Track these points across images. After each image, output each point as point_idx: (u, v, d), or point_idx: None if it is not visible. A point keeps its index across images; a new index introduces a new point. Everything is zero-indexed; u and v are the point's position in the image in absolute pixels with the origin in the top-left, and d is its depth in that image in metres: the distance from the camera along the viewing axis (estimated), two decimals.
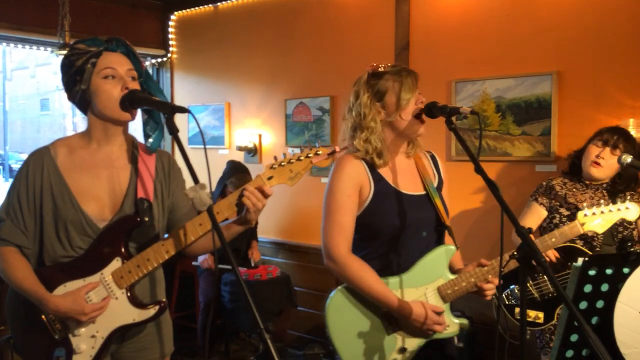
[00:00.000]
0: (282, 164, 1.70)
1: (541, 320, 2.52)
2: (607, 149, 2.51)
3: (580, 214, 2.03)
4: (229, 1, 4.73)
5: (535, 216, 2.68)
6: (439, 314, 1.85)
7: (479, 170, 1.70)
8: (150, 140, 1.82)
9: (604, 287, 1.56)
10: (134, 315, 1.67)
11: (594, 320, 1.59)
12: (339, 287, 1.92)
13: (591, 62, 3.11)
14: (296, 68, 4.38)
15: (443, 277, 1.91)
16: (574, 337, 1.57)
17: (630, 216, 2.05)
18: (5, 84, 27.48)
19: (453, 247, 1.95)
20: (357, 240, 1.93)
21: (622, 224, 2.48)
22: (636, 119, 2.89)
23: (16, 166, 24.28)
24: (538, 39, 3.27)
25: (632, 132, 2.85)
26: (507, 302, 2.61)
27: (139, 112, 1.79)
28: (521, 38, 3.33)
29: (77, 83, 1.69)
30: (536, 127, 3.25)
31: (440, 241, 1.99)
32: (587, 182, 2.61)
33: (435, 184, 2.03)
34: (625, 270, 1.55)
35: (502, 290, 2.59)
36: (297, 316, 4.14)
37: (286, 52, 4.42)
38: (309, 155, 1.71)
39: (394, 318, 1.88)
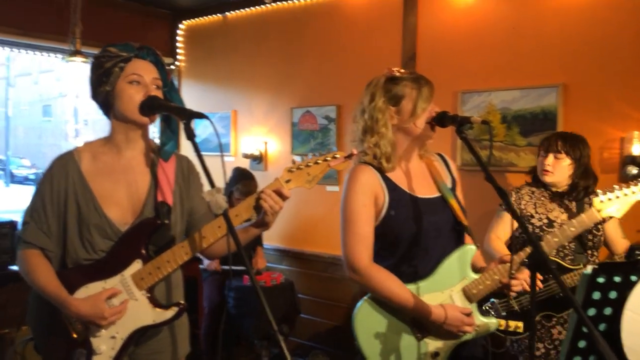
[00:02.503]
0: (300, 167, 1.75)
1: (521, 330, 2.52)
2: (550, 155, 2.58)
3: (596, 200, 2.05)
4: (237, 11, 4.79)
5: (507, 225, 2.72)
6: (467, 315, 1.86)
7: (489, 178, 1.73)
8: (165, 148, 1.86)
9: (612, 295, 1.59)
10: (154, 316, 1.70)
11: (602, 327, 1.62)
12: (365, 298, 1.92)
13: (596, 74, 3.16)
14: (303, 77, 4.43)
15: (467, 277, 1.92)
16: (581, 344, 1.60)
17: None
18: (8, 90, 27.59)
19: (473, 247, 1.95)
20: (378, 250, 1.92)
21: (592, 231, 2.53)
22: None
23: (18, 172, 24.33)
24: (544, 52, 3.32)
25: (637, 144, 2.91)
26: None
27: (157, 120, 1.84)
28: (527, 50, 3.38)
29: (102, 84, 1.74)
30: (542, 139, 3.29)
31: (460, 242, 1.98)
32: (553, 190, 2.64)
33: (449, 185, 2.04)
34: (633, 278, 1.58)
35: (484, 303, 2.62)
36: (301, 323, 4.16)
37: (293, 61, 4.48)
38: (327, 158, 1.75)
39: (422, 323, 1.87)
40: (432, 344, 1.88)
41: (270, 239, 4.49)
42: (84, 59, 4.08)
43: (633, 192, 2.04)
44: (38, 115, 31.58)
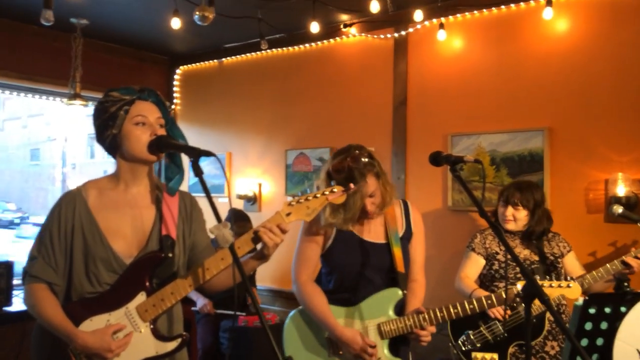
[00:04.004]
0: (300, 201, 1.81)
1: None
2: (509, 207, 2.82)
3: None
4: (233, 57, 4.96)
5: (475, 265, 2.91)
6: (372, 347, 2.12)
7: (483, 214, 1.83)
8: (171, 183, 1.93)
9: (604, 325, 1.66)
10: (158, 347, 1.72)
11: (595, 357, 1.67)
12: (297, 309, 2.31)
13: (579, 119, 3.31)
14: (297, 120, 4.56)
15: (385, 315, 2.20)
16: None
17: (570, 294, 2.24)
18: None
19: (400, 292, 2.21)
20: (324, 274, 2.34)
21: (554, 264, 2.77)
22: (624, 173, 3.06)
23: (3, 216, 24.05)
24: (529, 97, 3.48)
25: (621, 185, 3.03)
26: (463, 348, 2.74)
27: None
28: (513, 95, 3.54)
29: (109, 128, 1.80)
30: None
31: (392, 285, 2.24)
32: (510, 232, 2.87)
33: (401, 234, 2.31)
34: (623, 309, 1.65)
35: (459, 337, 2.76)
36: None
37: (287, 105, 4.62)
38: (325, 192, 1.82)
39: (335, 343, 2.19)
40: None
41: (263, 280, 4.50)
42: (83, 102, 4.18)
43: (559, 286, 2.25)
44: (26, 159, 31.51)
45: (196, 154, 1.72)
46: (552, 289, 2.19)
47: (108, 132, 1.81)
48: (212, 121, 5.12)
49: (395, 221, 2.30)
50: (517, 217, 2.81)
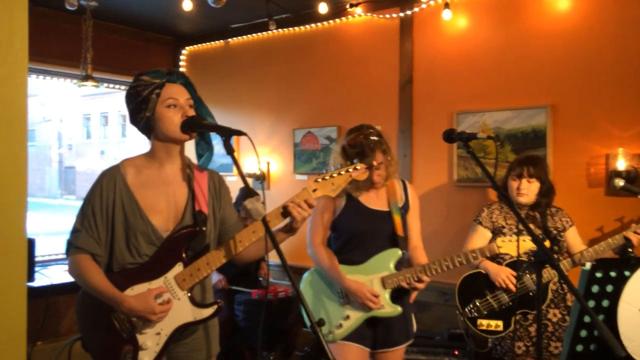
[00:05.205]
0: (325, 177, 1.93)
1: (501, 329, 2.87)
2: (523, 181, 2.93)
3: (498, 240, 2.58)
4: (239, 37, 5.02)
5: (482, 238, 3.03)
6: (375, 296, 2.49)
7: (495, 187, 1.98)
8: (202, 160, 2.04)
9: (609, 288, 1.79)
10: (195, 314, 1.86)
11: (601, 317, 1.81)
12: (311, 269, 2.71)
13: (582, 96, 3.41)
14: (304, 100, 4.65)
15: (387, 270, 2.56)
16: (583, 333, 1.79)
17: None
18: None
19: (399, 251, 2.58)
20: (333, 238, 2.69)
21: (557, 238, 2.91)
22: (624, 148, 3.18)
23: None
24: (533, 75, 3.58)
25: (622, 160, 3.15)
26: (470, 316, 2.91)
27: None
28: (517, 73, 3.64)
29: (142, 111, 1.91)
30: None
31: (393, 246, 2.60)
32: (519, 206, 2.98)
33: (400, 205, 2.68)
34: (627, 273, 1.78)
35: (466, 305, 2.94)
36: (303, 336, 4.29)
37: (295, 85, 4.71)
38: (349, 170, 1.94)
39: (346, 295, 2.56)
40: (348, 309, 2.56)
41: (274, 255, 4.62)
42: (95, 83, 4.25)
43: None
44: None
45: (228, 133, 1.83)
46: (511, 242, 2.53)
47: (142, 114, 1.91)
48: (219, 101, 5.20)
49: (396, 194, 2.70)
50: (530, 190, 2.92)
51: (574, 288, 1.64)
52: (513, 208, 1.87)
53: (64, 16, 4.37)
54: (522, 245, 2.51)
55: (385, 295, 2.54)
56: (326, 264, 2.58)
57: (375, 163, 2.24)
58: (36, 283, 3.72)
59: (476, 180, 3.77)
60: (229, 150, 1.80)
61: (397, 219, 2.62)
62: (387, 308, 2.54)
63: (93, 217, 1.88)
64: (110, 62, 4.60)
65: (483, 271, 2.91)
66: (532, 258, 2.74)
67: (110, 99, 29.57)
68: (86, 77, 4.23)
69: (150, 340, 1.82)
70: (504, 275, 2.82)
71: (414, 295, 2.61)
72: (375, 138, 2.56)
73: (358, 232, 2.61)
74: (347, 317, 2.55)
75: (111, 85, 5.19)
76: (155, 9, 4.51)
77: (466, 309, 2.92)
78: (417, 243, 2.73)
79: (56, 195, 33.10)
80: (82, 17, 4.25)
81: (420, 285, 2.53)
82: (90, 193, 1.91)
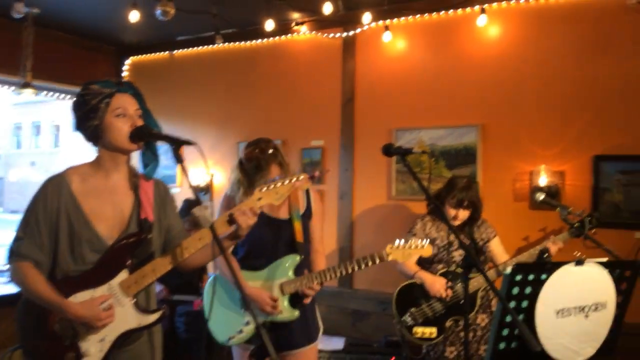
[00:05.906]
0: (270, 187, 2.02)
1: (435, 335, 3.03)
2: (460, 210, 3.04)
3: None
4: (185, 49, 5.05)
5: None
6: (274, 301, 2.56)
7: (429, 199, 2.13)
8: (148, 169, 2.08)
9: (528, 290, 1.95)
10: (140, 320, 1.89)
11: (520, 317, 1.98)
12: (215, 274, 2.78)
13: (509, 117, 3.69)
14: (249, 113, 4.73)
15: (286, 276, 2.64)
16: (505, 332, 1.95)
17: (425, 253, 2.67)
18: None
19: (297, 257, 2.65)
20: (239, 246, 2.73)
21: (482, 249, 3.10)
22: (547, 165, 3.48)
23: None
24: (465, 96, 3.83)
25: (544, 176, 3.43)
26: (406, 324, 3.06)
27: None
28: (451, 95, 3.88)
29: (90, 119, 1.92)
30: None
31: (292, 252, 2.67)
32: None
33: (302, 212, 2.75)
34: (543, 276, 1.96)
35: (403, 314, 3.07)
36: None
37: (240, 99, 4.78)
38: (292, 180, 2.04)
39: (246, 300, 2.54)
40: (248, 315, 2.62)
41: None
42: (33, 91, 4.17)
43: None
44: None
45: (177, 143, 1.89)
46: (410, 250, 2.60)
47: (89, 123, 1.93)
48: (162, 112, 5.13)
49: (298, 202, 2.76)
50: (464, 215, 3.06)
51: (496, 290, 1.81)
52: (446, 221, 2.03)
53: (5, 23, 4.26)
54: (418, 252, 2.62)
55: (284, 300, 2.62)
56: (227, 270, 2.61)
57: (316, 174, 2.32)
58: None
59: (413, 194, 3.96)
60: (179, 159, 1.86)
61: (298, 226, 2.70)
62: (285, 313, 2.62)
63: (36, 225, 1.88)
64: (52, 71, 4.50)
65: (418, 281, 3.07)
66: (460, 268, 2.93)
67: (43, 108, 28.38)
68: (25, 85, 4.15)
69: (94, 347, 1.84)
70: (438, 285, 2.98)
71: (307, 299, 2.67)
72: (271, 151, 2.66)
73: (260, 240, 2.66)
74: (248, 323, 2.62)
75: (48, 94, 5.07)
76: (99, 17, 4.48)
77: (403, 318, 3.06)
78: (317, 247, 2.81)
79: None
80: (22, 24, 4.17)
81: (311, 292, 2.62)
82: (34, 201, 1.91)
